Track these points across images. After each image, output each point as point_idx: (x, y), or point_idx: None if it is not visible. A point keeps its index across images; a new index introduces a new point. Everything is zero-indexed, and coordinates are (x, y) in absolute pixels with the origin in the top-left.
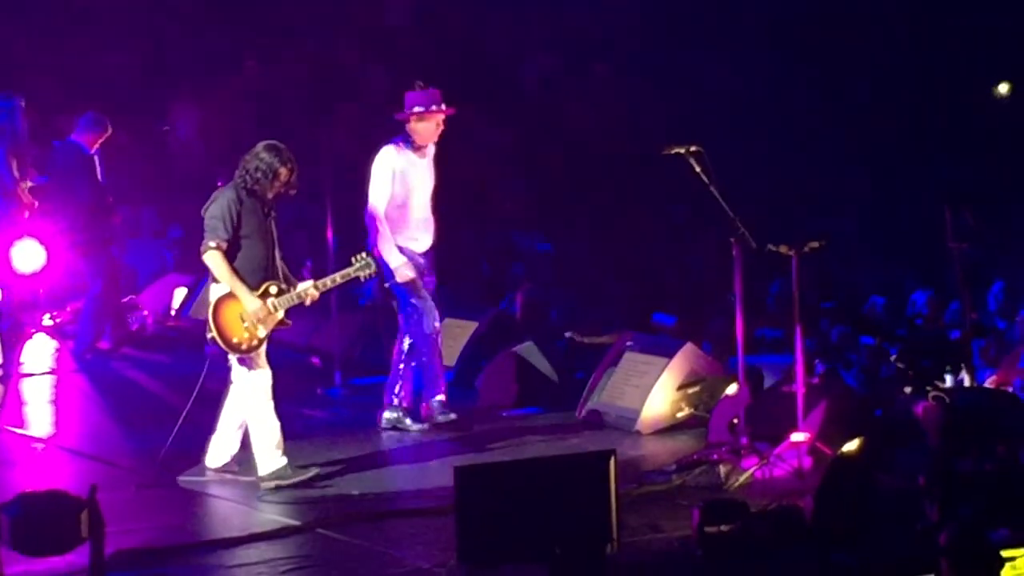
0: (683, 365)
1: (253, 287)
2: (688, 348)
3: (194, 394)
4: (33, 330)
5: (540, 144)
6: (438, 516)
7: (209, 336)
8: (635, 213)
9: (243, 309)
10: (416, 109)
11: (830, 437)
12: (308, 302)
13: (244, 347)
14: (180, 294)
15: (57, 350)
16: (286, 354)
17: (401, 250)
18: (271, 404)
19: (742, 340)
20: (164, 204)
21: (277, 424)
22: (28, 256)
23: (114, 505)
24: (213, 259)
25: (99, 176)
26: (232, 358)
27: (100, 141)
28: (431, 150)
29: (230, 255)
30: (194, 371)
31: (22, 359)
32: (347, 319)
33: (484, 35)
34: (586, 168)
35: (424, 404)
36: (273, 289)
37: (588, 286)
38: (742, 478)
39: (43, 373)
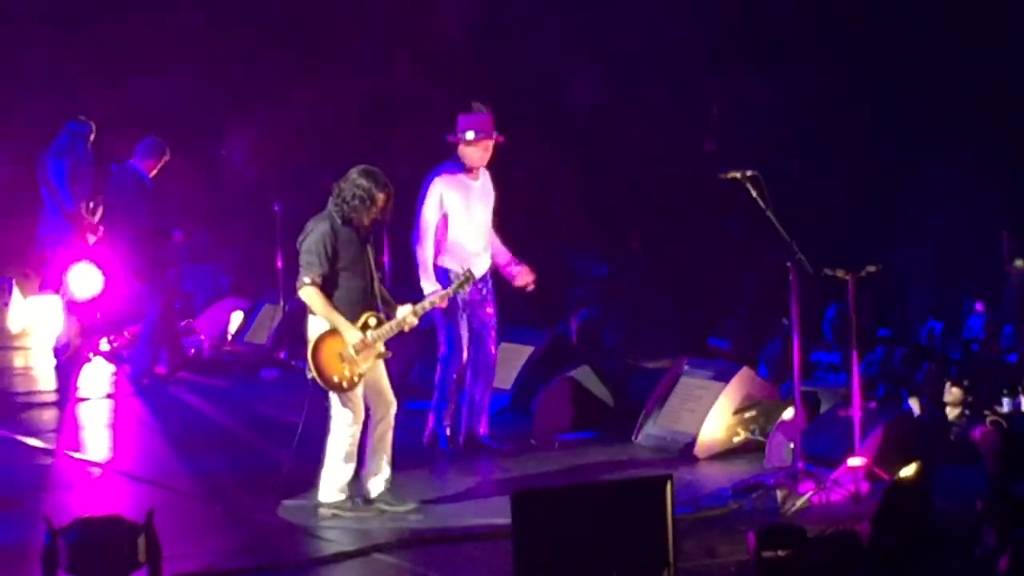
0: (739, 389)
1: (352, 319)
2: (744, 372)
3: (301, 425)
4: (91, 355)
5: (595, 166)
6: (495, 541)
7: (309, 376)
8: (690, 236)
9: (342, 345)
10: (467, 136)
11: (887, 462)
12: (407, 329)
13: (345, 385)
14: (236, 318)
15: (114, 375)
16: None
17: (448, 273)
18: (354, 447)
19: (798, 364)
20: (220, 228)
21: (352, 466)
22: (85, 281)
23: (171, 530)
24: (310, 295)
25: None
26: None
27: (159, 167)
28: (485, 173)
29: (327, 288)
30: (250, 396)
31: (79, 383)
32: (402, 343)
33: (538, 56)
34: (641, 191)
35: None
36: (372, 321)
37: (643, 310)
38: (799, 503)
39: (100, 397)
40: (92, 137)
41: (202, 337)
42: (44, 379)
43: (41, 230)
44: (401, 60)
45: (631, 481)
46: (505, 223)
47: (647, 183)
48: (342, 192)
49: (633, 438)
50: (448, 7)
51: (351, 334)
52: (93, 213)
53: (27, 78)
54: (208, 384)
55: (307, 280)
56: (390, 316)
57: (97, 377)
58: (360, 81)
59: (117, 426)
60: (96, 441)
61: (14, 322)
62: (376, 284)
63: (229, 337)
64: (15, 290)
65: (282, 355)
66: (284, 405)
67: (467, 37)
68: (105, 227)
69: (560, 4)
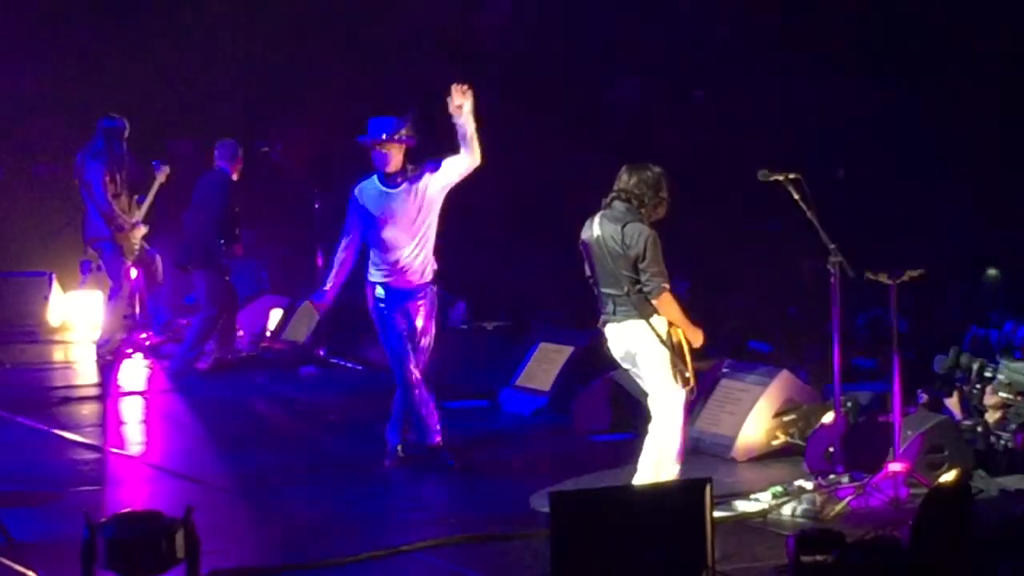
0: (779, 392)
1: None
2: (784, 375)
3: None
4: (130, 350)
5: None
6: (533, 541)
7: (686, 373)
8: (731, 239)
9: (689, 346)
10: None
11: (927, 467)
12: None
13: (692, 383)
14: (275, 315)
15: (154, 369)
16: (377, 376)
17: (380, 286)
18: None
19: (839, 368)
20: (260, 226)
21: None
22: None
23: (209, 526)
24: (669, 301)
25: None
26: (666, 385)
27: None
28: (417, 179)
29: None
30: (289, 392)
31: (119, 378)
32: (442, 342)
33: (577, 53)
34: (681, 192)
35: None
36: None
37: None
38: (838, 507)
39: (140, 393)
40: (126, 133)
41: (241, 333)
42: (84, 373)
43: (86, 233)
44: (439, 58)
45: (670, 483)
46: (544, 223)
47: (688, 185)
48: (644, 198)
49: None
50: (486, 3)
51: (699, 337)
52: (137, 209)
53: (70, 76)
54: (247, 381)
55: (667, 286)
56: None
57: (137, 372)
58: (399, 78)
59: (156, 421)
60: (135, 436)
61: (54, 316)
62: None
63: (268, 334)
64: (55, 285)
65: (321, 352)
66: (323, 402)
67: (504, 34)
68: (186, 225)
69: (601, 3)
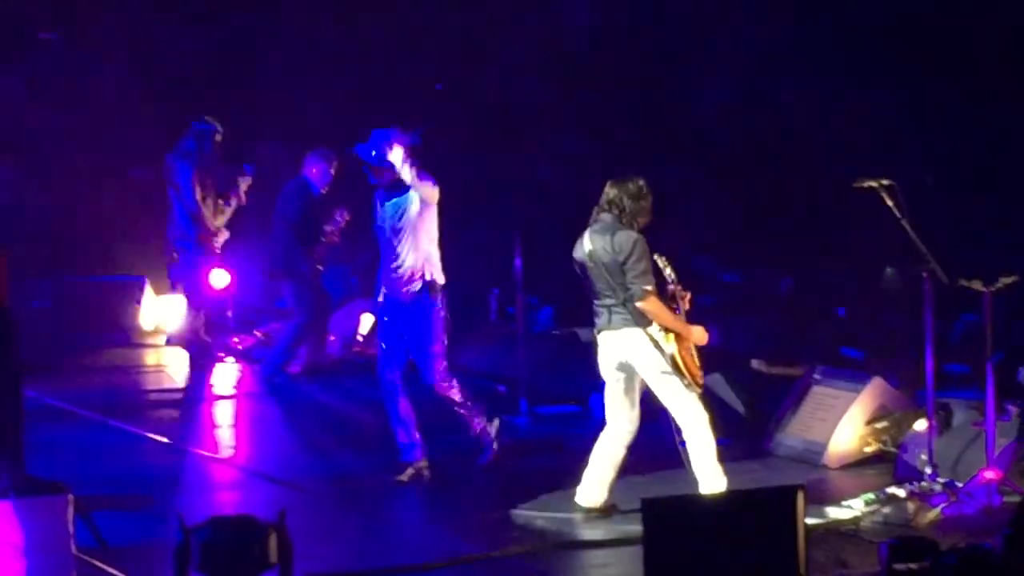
0: (871, 399)
1: None
2: (877, 382)
3: None
4: (222, 354)
5: (727, 172)
6: (624, 547)
7: (685, 382)
8: (824, 245)
9: (689, 343)
10: None
11: (1021, 475)
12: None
13: (701, 382)
14: (367, 320)
15: (245, 373)
16: (472, 381)
17: (383, 293)
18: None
19: (932, 375)
20: (352, 230)
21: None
22: (215, 278)
23: (302, 529)
24: (653, 303)
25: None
26: (677, 392)
27: (330, 174)
28: (403, 193)
29: None
30: (379, 396)
31: (211, 382)
32: (533, 347)
33: (666, 63)
34: (776, 198)
35: None
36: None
37: (775, 318)
38: (931, 515)
39: (231, 396)
40: (218, 137)
41: (332, 338)
42: (176, 377)
43: (170, 233)
44: (530, 65)
45: (762, 490)
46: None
47: (782, 190)
48: (627, 210)
49: (764, 446)
50: (576, 14)
51: (699, 333)
52: (221, 214)
53: (161, 79)
54: (338, 384)
55: (649, 288)
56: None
57: (228, 376)
58: (489, 88)
59: (248, 424)
60: (227, 439)
61: (147, 320)
62: None
63: (360, 338)
64: (147, 288)
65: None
66: (414, 406)
67: (593, 41)
68: (274, 232)
69: (686, 14)
